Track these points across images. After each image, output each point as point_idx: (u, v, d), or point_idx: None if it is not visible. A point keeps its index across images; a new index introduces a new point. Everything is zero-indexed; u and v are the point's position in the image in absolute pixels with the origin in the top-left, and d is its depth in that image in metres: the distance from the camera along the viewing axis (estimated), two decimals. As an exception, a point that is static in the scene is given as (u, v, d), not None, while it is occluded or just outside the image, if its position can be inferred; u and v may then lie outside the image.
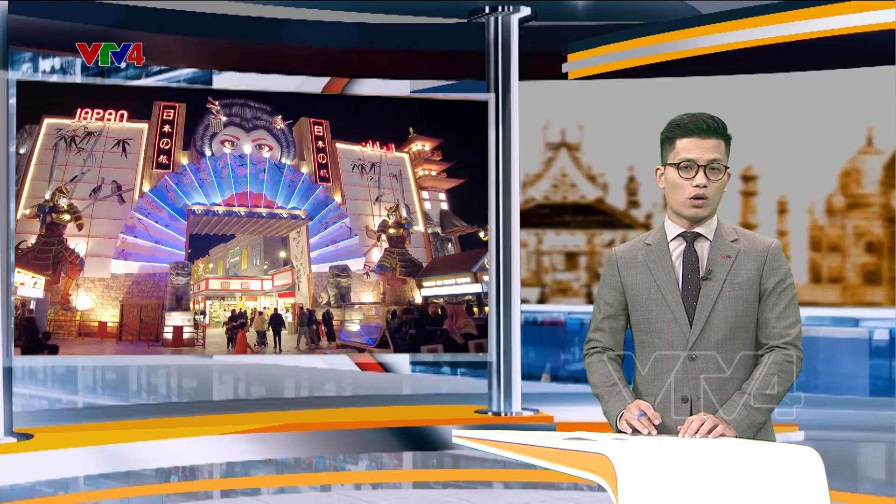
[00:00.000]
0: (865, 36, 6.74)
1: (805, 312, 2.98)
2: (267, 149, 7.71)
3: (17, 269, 6.78)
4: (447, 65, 9.01)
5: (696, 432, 2.78)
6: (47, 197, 7.05)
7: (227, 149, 7.60)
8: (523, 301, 8.00)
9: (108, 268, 7.23)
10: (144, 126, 7.39)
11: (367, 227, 7.86)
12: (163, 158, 7.46)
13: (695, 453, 2.61)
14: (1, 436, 6.47)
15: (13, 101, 6.67)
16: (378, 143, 7.93)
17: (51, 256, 7.02)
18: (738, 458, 2.60)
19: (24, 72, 22.90)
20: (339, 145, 7.91)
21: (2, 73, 6.56)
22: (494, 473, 7.50)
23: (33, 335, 6.91)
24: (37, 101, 6.97)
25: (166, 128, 7.44)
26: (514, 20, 7.66)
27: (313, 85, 11.61)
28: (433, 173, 8.01)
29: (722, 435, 2.79)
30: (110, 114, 7.22)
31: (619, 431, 2.89)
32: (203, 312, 7.49)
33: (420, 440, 7.29)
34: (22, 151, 6.92)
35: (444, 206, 8.04)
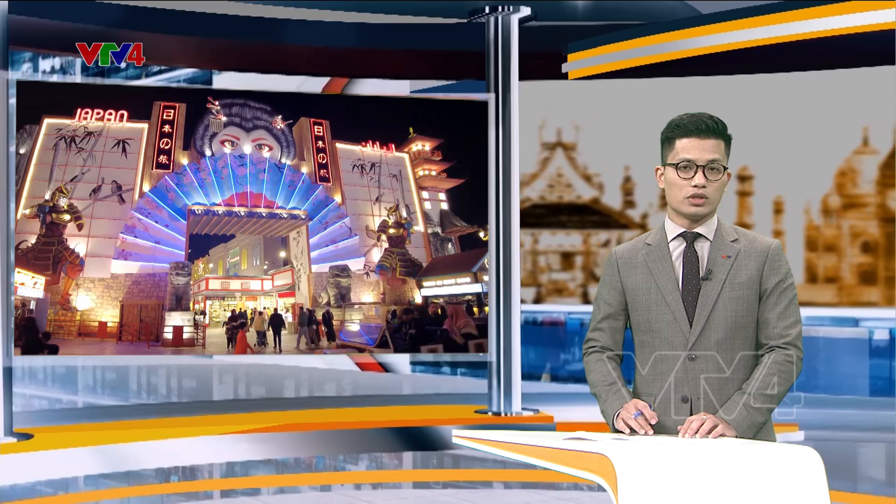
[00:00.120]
0: (865, 36, 6.74)
1: (802, 312, 2.98)
2: (267, 149, 7.71)
3: (17, 269, 6.78)
4: (447, 65, 9.01)
5: (696, 432, 2.78)
6: (47, 197, 7.05)
7: (227, 149, 7.60)
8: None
9: (108, 268, 7.23)
10: (144, 126, 7.39)
11: (367, 227, 7.86)
12: (163, 158, 7.46)
13: (695, 453, 2.61)
14: (1, 436, 6.47)
15: (13, 101, 6.67)
16: (378, 143, 7.93)
17: (51, 256, 7.02)
18: (738, 459, 2.60)
19: (24, 72, 22.90)
20: (339, 145, 7.91)
21: (2, 73, 6.56)
22: (494, 473, 7.50)
23: (33, 335, 6.91)
24: (37, 101, 6.97)
25: (166, 128, 7.44)
26: (514, 20, 7.66)
27: (313, 85, 11.61)
28: (433, 173, 8.01)
29: (722, 435, 2.79)
30: (110, 114, 7.22)
31: (616, 430, 2.89)
32: (203, 312, 7.49)
33: (420, 440, 7.29)
34: (22, 151, 6.92)
35: (444, 206, 8.04)
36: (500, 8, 7.63)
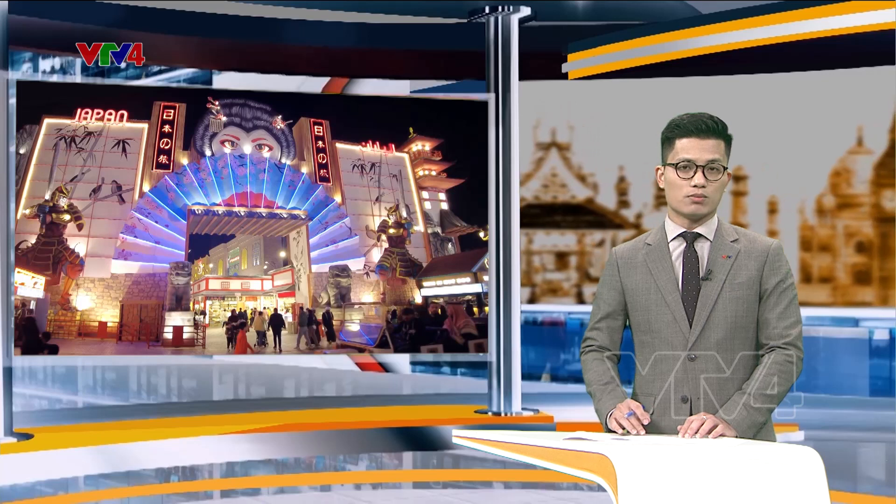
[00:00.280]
0: (865, 36, 6.74)
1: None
2: (267, 149, 7.71)
3: (17, 269, 6.78)
4: (447, 65, 9.01)
5: (696, 432, 2.78)
6: (47, 197, 7.05)
7: (227, 149, 7.60)
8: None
9: (108, 268, 7.23)
10: (144, 126, 7.39)
11: (367, 227, 7.86)
12: (163, 158, 7.46)
13: (695, 453, 2.61)
14: (1, 436, 6.47)
15: (13, 101, 6.67)
16: (378, 143, 7.93)
17: (51, 256, 7.02)
18: (738, 459, 2.60)
19: (24, 72, 22.90)
20: (339, 145, 7.91)
21: (2, 73, 6.56)
22: (494, 473, 7.50)
23: (33, 335, 6.91)
24: (37, 101, 6.97)
25: (166, 128, 7.44)
26: (514, 20, 7.66)
27: (313, 85, 11.61)
28: (433, 173, 8.01)
29: (722, 435, 2.79)
30: (110, 114, 7.22)
31: (609, 430, 2.89)
32: (203, 312, 7.49)
33: (420, 440, 7.29)
34: (22, 151, 6.93)
35: (444, 206, 8.04)
36: (500, 8, 7.63)
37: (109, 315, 7.17)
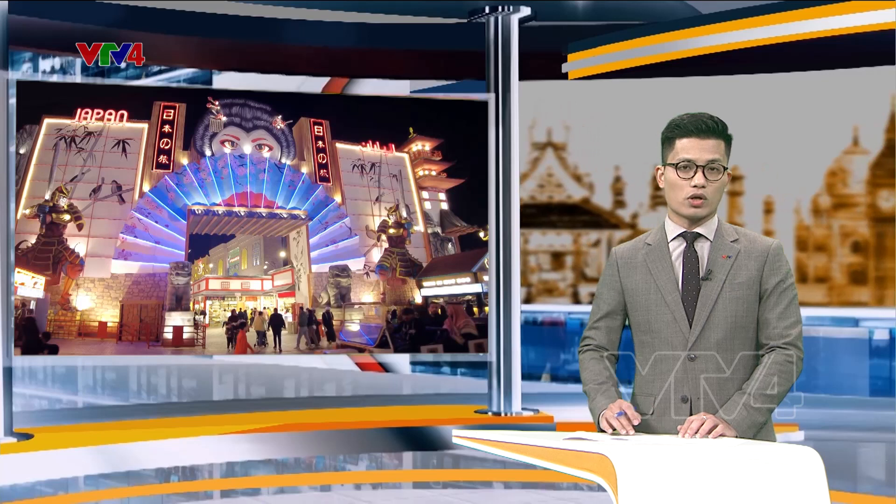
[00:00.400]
0: (865, 36, 6.74)
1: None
2: (267, 149, 7.71)
3: (17, 269, 6.78)
4: (447, 65, 9.01)
5: (696, 432, 2.78)
6: (47, 197, 7.05)
7: (227, 149, 7.60)
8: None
9: (108, 268, 7.23)
10: (144, 126, 7.39)
11: (367, 227, 7.86)
12: (163, 158, 7.46)
13: (695, 453, 2.61)
14: (1, 436, 6.47)
15: (13, 101, 6.67)
16: (378, 143, 7.93)
17: (51, 256, 7.02)
18: (737, 459, 2.60)
19: (24, 72, 22.90)
20: (339, 145, 7.91)
21: (2, 73, 6.56)
22: (494, 473, 7.50)
23: (33, 335, 6.91)
24: (37, 101, 6.97)
25: (166, 128, 7.44)
26: (514, 20, 7.66)
27: (313, 85, 11.61)
28: (433, 173, 8.01)
29: (722, 435, 2.79)
30: (110, 114, 7.22)
31: (601, 430, 2.90)
32: (203, 312, 7.49)
33: (420, 440, 7.29)
34: (22, 151, 6.93)
35: (444, 206, 8.04)
36: (500, 8, 7.63)
37: (109, 315, 7.17)
